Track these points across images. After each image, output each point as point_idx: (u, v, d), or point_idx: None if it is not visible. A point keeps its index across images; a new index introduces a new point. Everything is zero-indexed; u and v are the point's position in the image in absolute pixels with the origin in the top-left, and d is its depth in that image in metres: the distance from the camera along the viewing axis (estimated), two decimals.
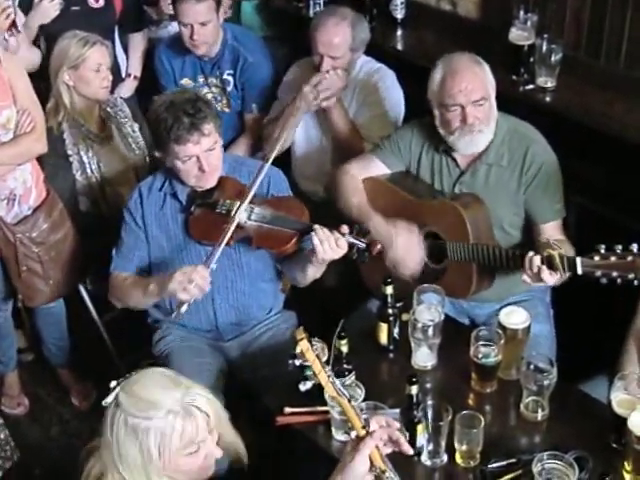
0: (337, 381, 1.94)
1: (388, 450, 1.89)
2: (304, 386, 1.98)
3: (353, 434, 1.88)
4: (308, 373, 2.01)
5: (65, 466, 3.25)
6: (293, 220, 2.71)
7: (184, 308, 2.65)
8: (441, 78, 2.74)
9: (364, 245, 2.62)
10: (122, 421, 1.87)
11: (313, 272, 2.77)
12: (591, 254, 2.40)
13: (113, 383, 1.92)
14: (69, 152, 3.32)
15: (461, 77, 2.70)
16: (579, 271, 2.42)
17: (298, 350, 1.94)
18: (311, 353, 1.92)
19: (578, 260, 2.42)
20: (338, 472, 1.86)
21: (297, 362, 1.99)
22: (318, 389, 2.36)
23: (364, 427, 1.87)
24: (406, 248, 2.84)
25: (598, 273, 2.38)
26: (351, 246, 2.61)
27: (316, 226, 2.61)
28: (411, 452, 1.95)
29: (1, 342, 3.44)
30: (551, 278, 2.49)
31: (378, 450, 1.84)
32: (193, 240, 2.82)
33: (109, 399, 1.90)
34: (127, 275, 2.90)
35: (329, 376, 1.94)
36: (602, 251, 2.38)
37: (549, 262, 2.47)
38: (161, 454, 1.87)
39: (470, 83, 2.69)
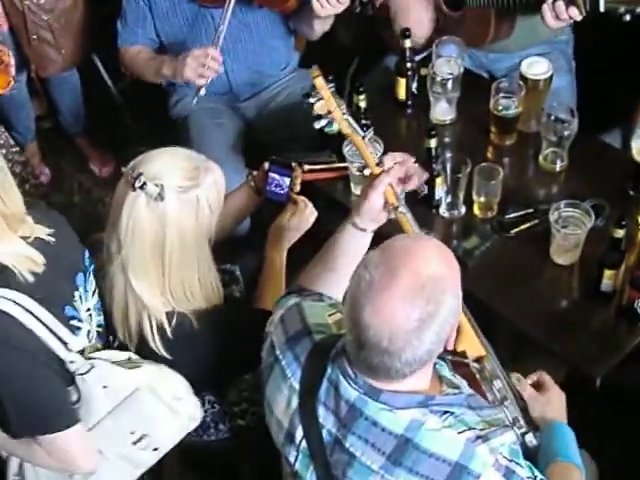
0: (351, 118, 1.89)
1: (399, 189, 1.86)
2: (318, 124, 1.93)
3: (367, 172, 1.86)
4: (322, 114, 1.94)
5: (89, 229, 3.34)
6: None
7: (202, 92, 2.67)
8: None
9: None
10: (174, 197, 1.81)
11: (321, 26, 2.73)
12: None
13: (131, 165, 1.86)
14: None
15: None
16: (601, 8, 2.28)
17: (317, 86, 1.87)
18: (326, 90, 1.86)
19: None
20: (354, 210, 1.84)
21: (312, 100, 1.88)
22: (338, 144, 2.39)
23: (378, 164, 1.84)
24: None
25: (621, 10, 2.25)
26: None
27: None
28: (420, 184, 1.92)
29: (18, 112, 3.44)
30: (574, 13, 2.33)
31: (392, 188, 1.81)
32: (197, 4, 2.75)
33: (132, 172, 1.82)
34: (138, 48, 2.85)
35: (344, 113, 1.88)
36: None
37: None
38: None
39: None
